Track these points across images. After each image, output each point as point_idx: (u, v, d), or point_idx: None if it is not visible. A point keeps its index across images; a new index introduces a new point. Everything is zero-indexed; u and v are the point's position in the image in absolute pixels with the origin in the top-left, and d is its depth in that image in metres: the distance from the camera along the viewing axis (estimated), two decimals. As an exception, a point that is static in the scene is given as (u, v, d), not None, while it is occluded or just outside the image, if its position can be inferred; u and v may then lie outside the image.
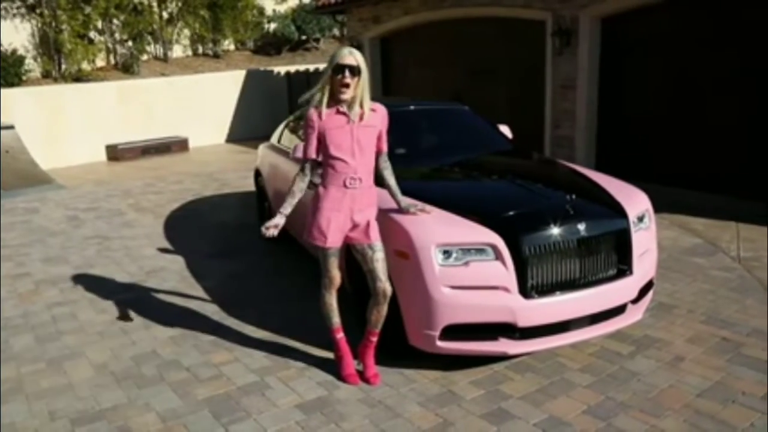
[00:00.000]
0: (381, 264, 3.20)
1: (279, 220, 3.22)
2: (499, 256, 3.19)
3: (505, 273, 3.18)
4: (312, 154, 3.19)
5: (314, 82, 15.02)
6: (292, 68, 15.61)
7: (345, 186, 3.14)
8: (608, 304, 3.41)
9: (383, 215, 3.48)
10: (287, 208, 3.24)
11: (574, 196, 3.38)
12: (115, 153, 12.07)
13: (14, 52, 11.71)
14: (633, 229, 3.52)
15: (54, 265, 5.81)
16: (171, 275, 5.42)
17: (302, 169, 3.26)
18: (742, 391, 3.22)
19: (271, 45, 17.44)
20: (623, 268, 3.46)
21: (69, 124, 11.59)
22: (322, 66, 15.89)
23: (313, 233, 3.22)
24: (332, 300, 3.37)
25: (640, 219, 3.72)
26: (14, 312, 4.69)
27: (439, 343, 3.28)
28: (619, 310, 3.52)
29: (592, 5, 8.13)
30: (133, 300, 4.82)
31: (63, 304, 4.81)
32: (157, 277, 5.37)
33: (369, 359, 3.42)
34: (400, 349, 3.50)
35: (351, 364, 3.41)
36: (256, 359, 3.74)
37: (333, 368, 3.54)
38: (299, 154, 4.39)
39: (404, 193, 3.50)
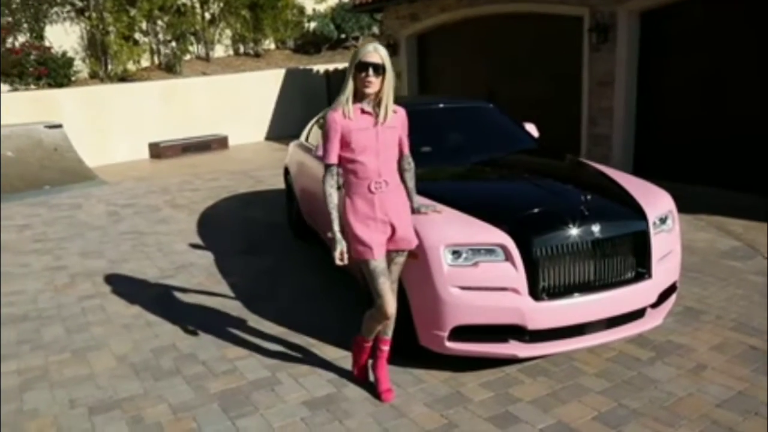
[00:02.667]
0: (399, 268, 3.12)
1: (341, 246, 2.94)
2: (509, 257, 3.15)
3: (514, 274, 3.13)
4: (335, 158, 2.95)
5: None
6: (331, 66, 15.71)
7: (371, 191, 2.94)
8: (625, 308, 3.32)
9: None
10: (336, 224, 2.96)
11: (589, 197, 3.29)
12: (157, 150, 12.40)
13: (64, 54, 12.16)
14: (653, 231, 3.41)
15: (90, 259, 6.02)
16: (199, 271, 5.54)
17: (329, 176, 2.99)
18: (764, 402, 3.08)
19: (311, 44, 17.59)
20: (641, 271, 3.36)
21: (114, 123, 11.96)
22: (361, 64, 16.02)
23: (357, 249, 2.94)
24: (379, 325, 3.12)
25: (663, 220, 3.60)
26: (49, 303, 4.88)
27: (448, 344, 3.25)
28: (637, 314, 3.42)
29: (630, 0, 7.91)
30: (161, 294, 4.95)
31: (94, 297, 4.98)
32: (186, 273, 5.50)
33: (381, 372, 3.25)
34: (411, 349, 3.48)
35: (363, 366, 3.37)
36: (271, 355, 3.79)
37: (345, 367, 3.57)
38: (321, 152, 4.43)
39: (419, 192, 3.48)
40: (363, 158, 2.92)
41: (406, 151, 3.19)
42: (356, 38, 17.92)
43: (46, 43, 12.28)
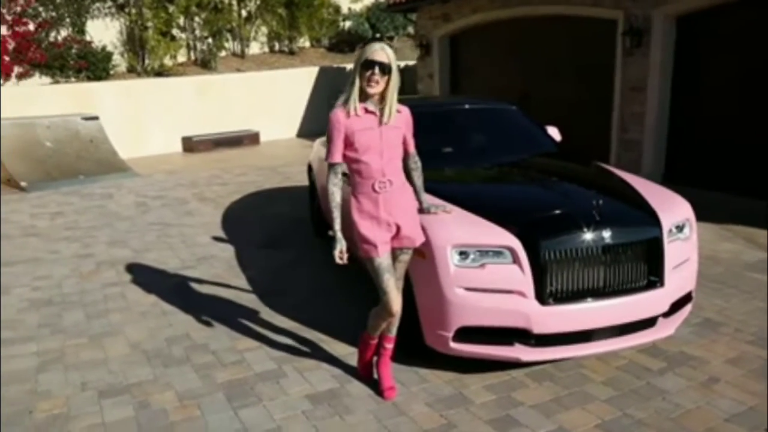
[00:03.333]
0: (403, 266, 3.14)
1: (341, 245, 2.94)
2: (516, 260, 3.12)
3: (521, 277, 3.11)
4: (339, 157, 2.94)
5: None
6: (365, 66, 15.77)
7: (375, 191, 2.93)
8: (635, 316, 3.26)
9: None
10: (338, 224, 2.97)
11: (601, 201, 3.24)
12: (190, 144, 12.64)
13: (104, 48, 12.50)
14: (667, 238, 3.34)
15: (116, 248, 6.18)
16: (219, 263, 5.64)
17: (333, 175, 2.97)
18: (777, 419, 2.99)
19: (346, 43, 17.69)
20: (654, 279, 3.29)
21: (149, 116, 12.24)
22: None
23: (362, 247, 2.96)
24: (384, 323, 3.12)
25: (679, 228, 3.52)
26: (73, 289, 5.03)
27: (453, 345, 3.24)
28: (648, 323, 3.35)
29: (666, 3, 7.74)
30: (180, 285, 5.05)
31: (116, 285, 5.11)
32: (206, 264, 5.60)
33: (385, 369, 3.25)
34: (417, 348, 3.48)
35: (368, 364, 3.37)
36: (279, 348, 3.84)
37: (351, 363, 3.59)
38: None
39: (433, 192, 3.49)
40: (366, 158, 2.92)
41: (412, 150, 3.20)
42: (390, 38, 17.96)
43: (87, 38, 12.64)
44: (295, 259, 5.64)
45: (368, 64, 2.82)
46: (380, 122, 2.94)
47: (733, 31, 7.28)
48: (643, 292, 3.26)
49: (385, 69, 2.84)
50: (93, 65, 11.97)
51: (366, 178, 2.95)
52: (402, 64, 15.65)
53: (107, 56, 12.41)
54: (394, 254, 3.05)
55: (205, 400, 3.24)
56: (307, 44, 17.50)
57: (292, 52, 16.77)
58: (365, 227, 2.95)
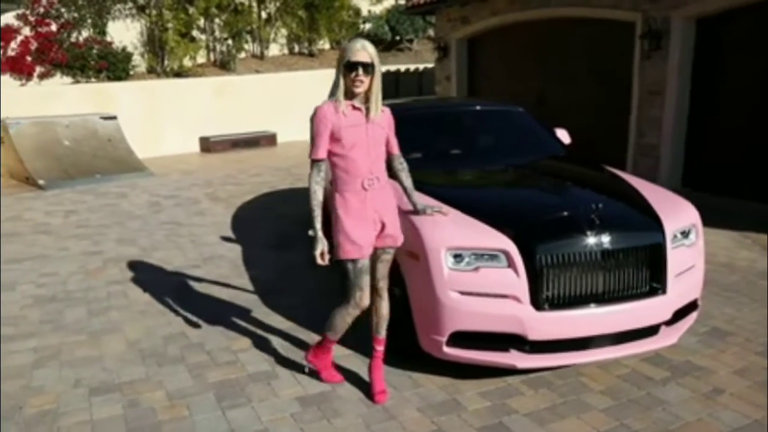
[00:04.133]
0: (386, 265, 3.12)
1: (322, 245, 2.90)
2: (511, 264, 3.04)
3: (516, 281, 3.03)
4: (323, 153, 2.91)
5: (404, 82, 14.91)
6: (384, 68, 15.75)
7: (364, 188, 2.92)
8: (635, 323, 3.15)
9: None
10: (318, 222, 2.92)
11: (600, 205, 3.14)
12: (207, 145, 12.73)
13: (124, 49, 12.67)
14: (671, 244, 3.23)
15: (124, 246, 6.22)
16: (225, 263, 5.63)
17: (316, 172, 2.93)
18: (782, 433, 2.86)
19: (365, 45, 17.69)
20: (656, 286, 3.18)
21: (167, 117, 12.36)
22: (413, 67, 16.00)
23: (345, 248, 2.91)
24: (353, 319, 3.09)
25: (685, 234, 3.41)
26: (78, 286, 5.07)
27: (446, 349, 3.17)
28: (649, 331, 3.24)
29: (686, 5, 7.56)
30: (183, 284, 5.06)
31: (120, 282, 5.13)
32: (212, 264, 5.60)
33: (377, 373, 3.20)
34: (413, 353, 3.42)
35: (331, 367, 3.34)
36: (274, 349, 3.80)
37: (346, 366, 3.54)
38: None
39: (431, 194, 3.45)
40: (354, 155, 2.91)
41: (396, 150, 3.18)
42: (410, 40, 17.92)
43: (108, 39, 12.82)
44: (299, 260, 5.61)
45: (351, 66, 2.81)
46: (366, 119, 2.93)
47: (754, 33, 7.08)
48: (644, 299, 3.15)
49: (368, 68, 2.82)
50: (113, 66, 12.14)
51: (354, 176, 2.92)
52: (421, 66, 15.63)
53: (127, 57, 12.57)
54: (376, 254, 3.04)
55: (194, 400, 3.21)
56: (327, 46, 17.54)
57: (311, 54, 16.82)
58: (352, 227, 2.92)
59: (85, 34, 12.73)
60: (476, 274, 3.07)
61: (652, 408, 3.08)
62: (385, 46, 17.84)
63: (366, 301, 3.01)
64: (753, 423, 2.95)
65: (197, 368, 3.57)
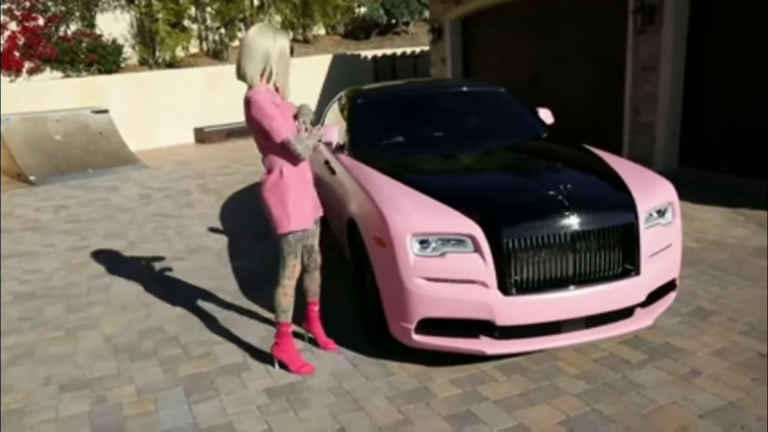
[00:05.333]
0: (317, 233, 3.44)
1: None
2: (477, 249, 2.99)
3: (483, 266, 2.97)
4: (286, 132, 2.97)
5: (400, 66, 14.69)
6: (380, 52, 15.62)
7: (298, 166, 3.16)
8: (608, 306, 3.09)
9: (365, 199, 3.39)
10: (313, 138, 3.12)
11: (569, 186, 3.07)
12: (201, 135, 12.69)
13: (114, 41, 12.61)
14: (644, 224, 3.16)
15: (112, 240, 6.21)
16: (210, 254, 5.62)
17: (297, 143, 2.99)
18: (756, 416, 2.80)
19: (361, 29, 17.53)
20: (629, 267, 3.12)
21: (161, 108, 12.32)
22: (409, 50, 15.83)
23: (291, 221, 3.09)
24: (293, 290, 3.27)
25: (660, 213, 3.34)
26: (60, 282, 5.07)
27: (415, 337, 3.13)
28: (624, 313, 3.18)
29: (678, -23, 7.40)
30: (166, 276, 5.04)
31: (103, 277, 5.13)
32: (197, 256, 5.58)
33: (318, 328, 3.58)
34: (385, 341, 3.39)
35: (299, 356, 3.35)
36: (249, 341, 3.78)
37: (321, 355, 3.52)
38: (326, 137, 4.37)
39: (400, 180, 3.50)
40: (289, 134, 3.02)
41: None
42: (406, 23, 17.74)
43: (97, 31, 12.76)
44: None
45: (291, 52, 3.08)
46: (283, 101, 3.13)
47: (749, 5, 6.92)
48: (617, 281, 3.09)
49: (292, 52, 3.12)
50: (103, 59, 12.09)
51: (290, 155, 3.07)
52: (417, 49, 15.47)
53: (117, 49, 12.51)
54: (312, 231, 3.37)
55: (162, 395, 3.20)
56: (322, 32, 17.39)
57: (306, 41, 16.69)
58: (295, 201, 3.11)
59: (73, 27, 12.67)
60: (443, 259, 3.02)
61: (626, 392, 3.03)
62: (381, 29, 17.68)
63: (298, 270, 3.27)
64: (728, 405, 2.89)
65: (169, 362, 3.56)
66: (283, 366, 3.35)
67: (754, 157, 6.97)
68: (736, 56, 7.14)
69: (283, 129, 2.99)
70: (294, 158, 3.06)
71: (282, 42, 3.03)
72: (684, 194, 6.45)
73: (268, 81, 3.03)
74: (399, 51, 15.44)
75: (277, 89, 3.10)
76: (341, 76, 14.56)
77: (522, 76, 10.28)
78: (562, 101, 9.23)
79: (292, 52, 3.11)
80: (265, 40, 2.99)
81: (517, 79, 10.32)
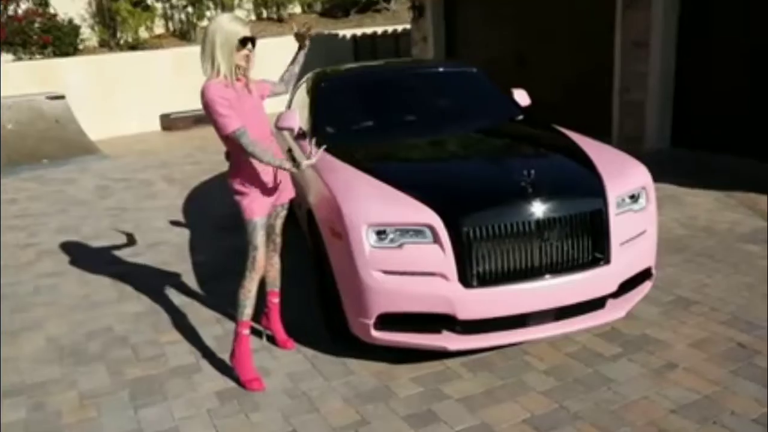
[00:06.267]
0: (282, 221, 3.47)
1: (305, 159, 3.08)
2: (437, 239, 3.00)
3: (442, 258, 2.98)
4: (238, 122, 2.99)
5: (381, 46, 14.59)
6: (359, 31, 15.53)
7: None
8: (577, 297, 3.12)
9: (322, 189, 3.39)
10: (286, 161, 3.13)
11: (533, 171, 3.08)
12: (168, 122, 12.59)
13: (70, 21, 12.43)
14: (614, 210, 3.18)
15: (64, 236, 6.17)
16: (169, 249, 5.59)
17: (246, 138, 2.98)
18: (731, 410, 2.84)
19: (339, 7, 17.42)
20: (598, 256, 3.14)
21: (123, 94, 12.19)
22: (391, 29, 15.75)
23: (252, 208, 3.16)
24: (255, 285, 3.25)
25: (634, 198, 3.36)
26: (4, 281, 5.03)
27: (374, 333, 3.15)
28: (595, 304, 3.21)
29: (668, -54, 7.41)
30: (120, 274, 5.01)
31: (52, 276, 5.09)
32: (155, 251, 5.56)
33: (277, 324, 3.60)
34: (346, 339, 3.40)
35: (252, 368, 3.27)
36: (204, 340, 3.78)
37: (278, 355, 3.53)
38: (285, 123, 4.38)
39: (359, 167, 3.52)
40: (249, 126, 3.01)
41: (268, 86, 3.43)
42: (387, 0, 17.65)
43: (51, 10, 12.57)
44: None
45: (245, 42, 2.99)
46: (248, 89, 3.16)
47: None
48: (585, 270, 3.11)
49: (255, 43, 3.06)
50: (58, 40, 11.93)
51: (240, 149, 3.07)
52: (399, 28, 15.39)
53: (74, 30, 12.35)
54: (276, 211, 3.40)
55: (106, 400, 3.20)
56: (297, 10, 17.27)
57: (280, 19, 16.56)
58: (258, 189, 3.16)
59: (24, 6, 12.47)
60: (400, 251, 3.03)
61: (597, 387, 3.06)
62: (360, 7, 17.59)
63: (263, 261, 3.24)
64: (702, 399, 2.93)
65: (117, 365, 3.55)
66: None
67: (750, 137, 7.01)
68: (731, 29, 7.16)
69: (232, 118, 2.98)
70: (242, 153, 3.04)
71: (229, 28, 2.98)
72: (675, 176, 6.58)
73: (218, 73, 3.00)
74: (380, 30, 15.36)
75: (239, 79, 3.08)
76: (318, 57, 14.40)
77: (508, 55, 10.27)
78: (548, 80, 9.26)
79: (252, 42, 3.03)
80: (213, 29, 3.00)
81: (503, 58, 10.32)
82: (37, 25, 11.85)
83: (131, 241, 5.81)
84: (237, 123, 2.98)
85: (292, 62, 3.49)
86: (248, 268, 3.23)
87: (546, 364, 3.29)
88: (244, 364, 3.25)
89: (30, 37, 11.73)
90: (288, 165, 3.06)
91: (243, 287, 3.24)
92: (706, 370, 3.16)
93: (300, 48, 3.44)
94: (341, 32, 15.58)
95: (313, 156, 3.04)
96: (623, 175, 3.36)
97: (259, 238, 3.20)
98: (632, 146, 7.63)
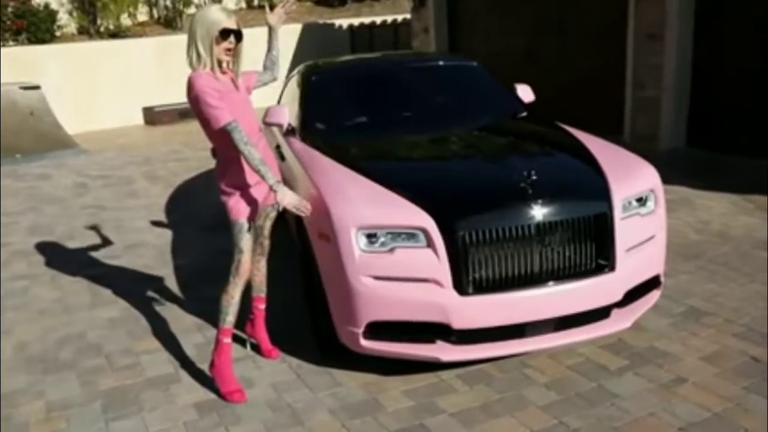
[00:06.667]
0: (271, 223, 3.50)
1: (290, 192, 3.11)
2: (430, 243, 3.01)
3: (436, 263, 2.99)
4: (230, 115, 3.00)
5: (378, 36, 14.66)
6: (356, 21, 15.56)
7: None
8: (579, 306, 3.12)
9: (310, 189, 3.41)
10: (273, 176, 3.06)
11: (533, 172, 3.09)
12: (151, 116, 12.63)
13: (46, 6, 12.46)
14: (620, 213, 3.19)
15: (37, 236, 6.18)
16: (149, 250, 5.61)
17: (238, 134, 2.98)
18: (744, 428, 2.85)
19: (336, -5, 17.49)
20: (602, 263, 3.15)
21: (104, 84, 12.23)
22: (390, 18, 15.78)
23: (240, 208, 3.18)
24: (239, 291, 3.25)
25: (641, 201, 3.37)
26: (-30, 284, 5.03)
27: (364, 342, 3.15)
28: (599, 314, 3.22)
29: (684, -67, 7.44)
30: (96, 277, 5.03)
31: (24, 278, 5.11)
32: (134, 253, 5.57)
33: (262, 332, 3.62)
34: (334, 348, 3.40)
35: (233, 378, 3.27)
36: (183, 349, 3.79)
37: (262, 364, 3.54)
38: (274, 118, 4.40)
39: (351, 166, 3.54)
40: (239, 119, 3.03)
41: (255, 76, 3.48)
42: (387, -13, 17.69)
43: (25, -6, 12.63)
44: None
45: (226, 33, 3.00)
46: (235, 83, 3.18)
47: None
48: (589, 278, 3.12)
49: (239, 36, 3.06)
50: (34, 26, 11.96)
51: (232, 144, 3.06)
52: (399, 18, 15.42)
53: (51, 15, 12.39)
54: (265, 212, 3.42)
55: (76, 411, 3.20)
56: (291, -3, 17.28)
57: (271, 7, 16.56)
58: (247, 188, 3.17)
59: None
60: (392, 255, 3.03)
61: (600, 403, 3.07)
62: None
63: (248, 265, 3.26)
64: (712, 417, 2.93)
65: (89, 374, 3.56)
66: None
67: (768, 137, 7.03)
68: (750, 22, 7.19)
69: (223, 111, 2.99)
70: (231, 150, 3.06)
71: (211, 18, 2.99)
72: (689, 178, 6.60)
73: (204, 65, 3.03)
74: (378, 20, 15.38)
75: (224, 72, 3.12)
76: (312, 49, 14.47)
77: (515, 47, 10.30)
78: (557, 74, 9.29)
79: (237, 35, 3.04)
80: (196, 18, 3.04)
81: (509, 51, 10.36)
82: (10, 9, 11.86)
83: (106, 241, 5.82)
84: (229, 116, 2.98)
85: (269, 49, 3.56)
86: (232, 272, 3.23)
87: (547, 377, 3.30)
88: (224, 375, 3.26)
89: (2, 23, 11.74)
90: (272, 182, 3.01)
91: (226, 292, 3.23)
92: (717, 386, 3.16)
93: (271, 31, 3.51)
94: (337, 22, 15.61)
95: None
96: (630, 177, 3.38)
97: (246, 240, 3.20)
98: (645, 145, 7.66)
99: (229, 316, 3.23)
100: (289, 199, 3.05)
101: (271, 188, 3.04)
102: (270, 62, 3.54)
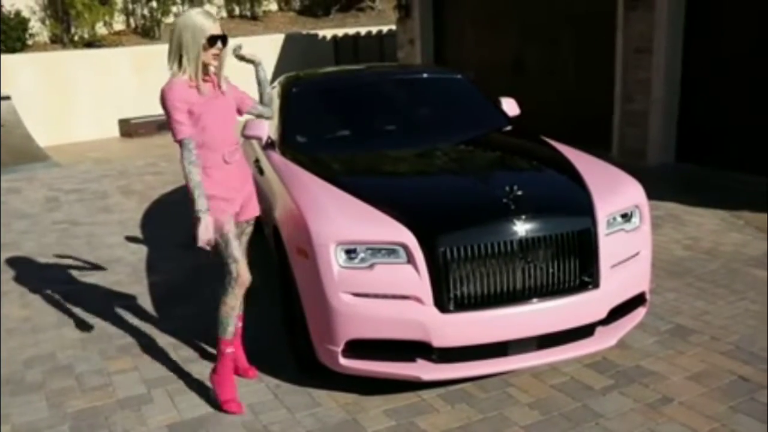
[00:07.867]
0: (248, 238, 3.55)
1: (205, 220, 3.07)
2: (411, 259, 3.05)
3: (417, 280, 3.03)
4: (188, 131, 3.09)
5: (363, 47, 14.75)
6: (341, 32, 15.68)
7: (226, 162, 3.26)
8: (562, 324, 3.17)
9: (289, 203, 3.44)
10: (203, 204, 3.07)
11: (516, 187, 3.15)
12: (128, 128, 12.63)
13: (18, 14, 12.46)
14: (604, 229, 3.25)
15: (4, 252, 6.15)
16: (123, 267, 5.61)
17: (187, 152, 3.09)
18: (729, 448, 2.91)
19: (319, 5, 17.60)
20: (586, 279, 3.21)
21: (78, 95, 12.22)
22: (375, 29, 15.94)
23: (223, 220, 3.19)
24: (239, 301, 3.31)
25: (626, 217, 3.44)
26: (-65, 303, 5.00)
27: (343, 361, 3.18)
28: (583, 332, 3.27)
29: (673, -54, 7.60)
30: (66, 295, 5.02)
31: (-11, 296, 5.08)
32: (107, 270, 5.56)
33: (238, 350, 3.58)
34: (313, 367, 3.43)
35: (233, 388, 3.34)
36: (156, 368, 3.80)
37: (236, 384, 3.54)
38: (253, 131, 4.45)
39: (330, 181, 3.61)
40: (213, 129, 3.15)
41: (250, 102, 3.52)
42: (372, -1, 17.88)
43: (-5, 0, 12.64)
44: (211, 260, 5.58)
45: (214, 40, 3.04)
46: (218, 91, 3.22)
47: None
48: (572, 295, 3.17)
49: (225, 41, 3.11)
50: (4, 34, 11.94)
51: (215, 150, 3.19)
52: (385, 29, 15.58)
53: (22, 23, 12.40)
54: (241, 228, 3.42)
55: (43, 435, 3.20)
56: (273, 6, 17.42)
57: (254, 17, 16.71)
58: (220, 200, 3.19)
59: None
60: (371, 272, 3.07)
61: (584, 423, 3.11)
62: (342, 5, 17.77)
63: (246, 273, 3.28)
64: (697, 437, 2.99)
65: (58, 396, 3.56)
66: (205, 391, 3.44)
67: (761, 153, 7.15)
68: (741, 35, 7.33)
69: (183, 125, 3.08)
70: (212, 155, 3.18)
71: (198, 24, 3.03)
72: (678, 194, 6.70)
73: (184, 71, 3.07)
74: (363, 30, 15.53)
75: (206, 80, 3.14)
76: (295, 59, 14.58)
77: (503, 60, 10.44)
78: (546, 88, 9.43)
79: (223, 40, 3.09)
80: (180, 24, 3.06)
81: (498, 63, 10.50)
82: (-22, 17, 11.88)
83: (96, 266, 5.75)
84: (188, 132, 3.09)
85: (259, 83, 3.59)
86: (230, 283, 3.27)
87: (530, 397, 3.34)
88: (224, 384, 3.33)
89: (-30, 31, 11.76)
90: (199, 207, 3.04)
91: (225, 304, 3.28)
92: (703, 406, 3.21)
93: (253, 64, 3.53)
94: (321, 32, 15.73)
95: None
96: (615, 192, 3.44)
97: (235, 248, 3.24)
98: (634, 160, 7.80)
99: (230, 327, 3.30)
100: (202, 233, 3.04)
101: (193, 214, 3.06)
102: (268, 98, 3.60)
